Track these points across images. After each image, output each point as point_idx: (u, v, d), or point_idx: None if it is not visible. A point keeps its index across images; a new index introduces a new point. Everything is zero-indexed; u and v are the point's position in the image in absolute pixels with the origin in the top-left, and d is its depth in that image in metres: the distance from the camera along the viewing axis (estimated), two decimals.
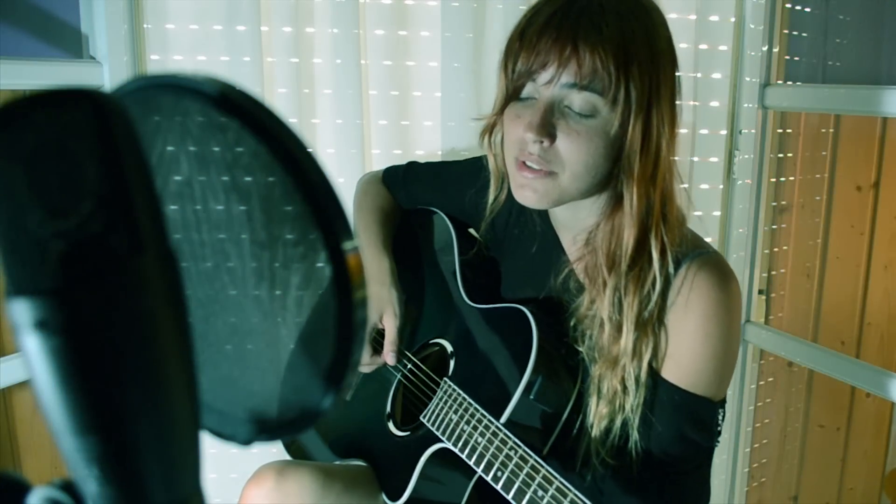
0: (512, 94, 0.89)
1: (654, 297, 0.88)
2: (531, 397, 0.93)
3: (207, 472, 0.50)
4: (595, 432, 0.92)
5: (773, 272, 1.87)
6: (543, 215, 1.03)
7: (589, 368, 0.94)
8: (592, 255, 0.95)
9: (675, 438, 0.90)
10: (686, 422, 0.89)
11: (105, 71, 1.44)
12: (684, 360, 0.89)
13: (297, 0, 1.50)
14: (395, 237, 1.24)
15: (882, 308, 1.81)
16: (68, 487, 0.28)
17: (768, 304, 1.87)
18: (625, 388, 0.90)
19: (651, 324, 0.89)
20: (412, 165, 1.26)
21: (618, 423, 0.91)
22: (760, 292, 1.83)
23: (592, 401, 0.93)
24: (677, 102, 0.89)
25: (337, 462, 1.19)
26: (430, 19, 1.55)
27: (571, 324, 0.96)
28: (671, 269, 0.89)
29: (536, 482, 0.86)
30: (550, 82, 0.84)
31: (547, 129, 0.85)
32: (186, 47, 1.50)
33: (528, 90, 0.88)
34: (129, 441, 0.27)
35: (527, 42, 0.85)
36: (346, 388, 0.32)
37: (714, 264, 0.89)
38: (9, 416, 1.44)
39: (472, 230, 1.20)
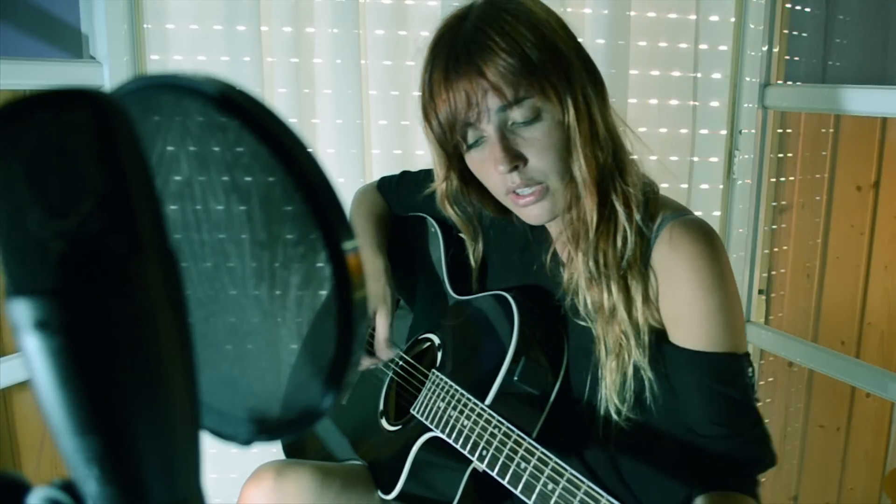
0: (452, 150, 0.92)
1: (630, 245, 0.90)
2: (515, 378, 0.94)
3: (207, 472, 0.50)
4: (610, 388, 0.93)
5: (773, 272, 1.87)
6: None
7: (589, 344, 0.95)
8: (565, 228, 0.97)
9: (711, 402, 0.89)
10: (716, 382, 0.88)
11: (105, 71, 1.44)
12: (692, 321, 0.89)
13: (297, 0, 1.50)
14: (388, 242, 1.25)
15: (882, 308, 1.81)
16: (68, 487, 0.28)
17: (768, 304, 1.87)
18: (627, 336, 0.91)
19: (634, 269, 0.90)
20: (405, 174, 1.29)
21: (629, 373, 0.91)
22: (760, 292, 1.83)
23: (602, 361, 0.93)
24: (591, 59, 0.92)
25: (335, 462, 1.19)
26: (430, 19, 1.54)
27: (563, 298, 0.97)
28: (640, 212, 0.90)
29: (519, 455, 0.87)
30: (483, 116, 0.87)
31: (513, 155, 0.87)
32: (186, 47, 1.50)
33: (472, 135, 0.90)
34: (129, 441, 0.27)
35: (438, 96, 0.88)
36: (346, 388, 0.32)
37: (693, 222, 0.90)
38: (9, 416, 1.44)
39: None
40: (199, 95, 0.30)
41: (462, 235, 1.21)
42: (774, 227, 1.85)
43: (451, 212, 1.04)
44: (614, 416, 0.94)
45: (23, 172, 0.25)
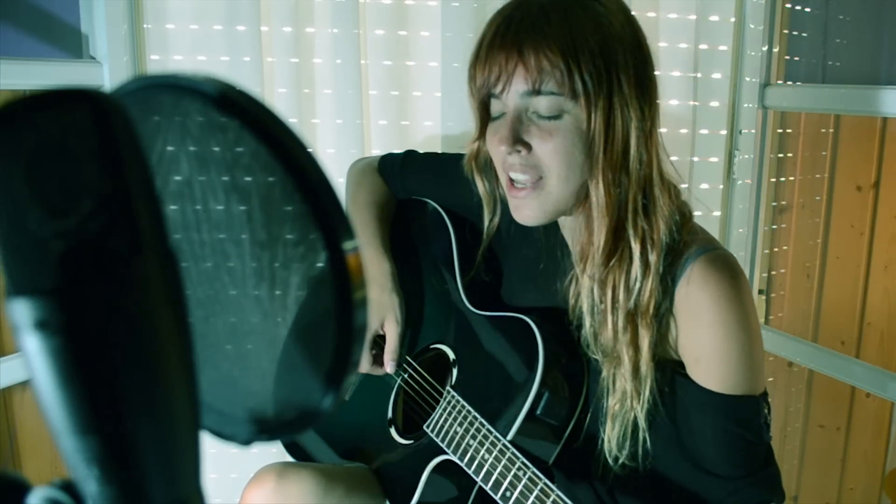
0: (483, 114, 0.91)
1: (646, 287, 0.86)
2: (538, 413, 0.93)
3: (207, 472, 0.50)
4: (609, 434, 0.91)
5: (773, 272, 1.87)
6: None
7: (601, 369, 0.93)
8: (574, 246, 0.95)
9: (724, 442, 0.87)
10: (731, 423, 0.87)
11: (105, 71, 1.44)
12: (712, 363, 0.86)
13: (297, 0, 1.50)
14: (391, 232, 1.21)
15: (882, 308, 1.81)
16: (68, 487, 0.28)
17: (768, 304, 1.87)
18: (630, 386, 0.88)
19: (646, 315, 0.87)
20: (410, 155, 1.23)
21: (630, 418, 0.89)
22: (760, 292, 1.83)
23: (604, 403, 0.91)
24: (655, 92, 0.89)
25: (337, 463, 1.19)
26: (430, 19, 1.55)
27: (574, 324, 0.95)
28: (661, 257, 0.87)
29: (535, 495, 0.85)
30: (506, 93, 0.86)
31: (517, 139, 0.86)
32: (186, 47, 1.50)
33: (497, 107, 0.90)
34: (129, 441, 0.27)
35: (480, 60, 0.87)
36: (346, 389, 0.32)
37: (718, 260, 0.87)
38: (9, 416, 1.44)
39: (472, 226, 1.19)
40: (199, 95, 0.30)
41: (474, 228, 1.19)
42: (774, 227, 1.85)
43: (476, 176, 1.02)
44: (611, 463, 0.92)
45: (23, 172, 0.25)
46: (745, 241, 1.77)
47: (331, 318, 0.31)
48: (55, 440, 0.27)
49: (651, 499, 0.94)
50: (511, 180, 0.90)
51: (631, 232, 0.87)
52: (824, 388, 1.92)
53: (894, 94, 1.40)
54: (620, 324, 0.88)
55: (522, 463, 0.89)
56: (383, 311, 1.11)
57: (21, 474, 0.30)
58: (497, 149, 0.89)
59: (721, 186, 1.74)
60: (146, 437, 0.27)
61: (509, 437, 0.92)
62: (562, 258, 0.99)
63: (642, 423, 0.89)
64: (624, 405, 0.89)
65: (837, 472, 1.96)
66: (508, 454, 0.91)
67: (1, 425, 1.43)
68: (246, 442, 0.34)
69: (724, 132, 1.71)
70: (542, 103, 0.85)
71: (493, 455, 0.92)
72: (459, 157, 1.16)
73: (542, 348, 0.94)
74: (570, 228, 0.98)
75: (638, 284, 0.87)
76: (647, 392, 0.88)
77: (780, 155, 1.81)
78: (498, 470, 0.91)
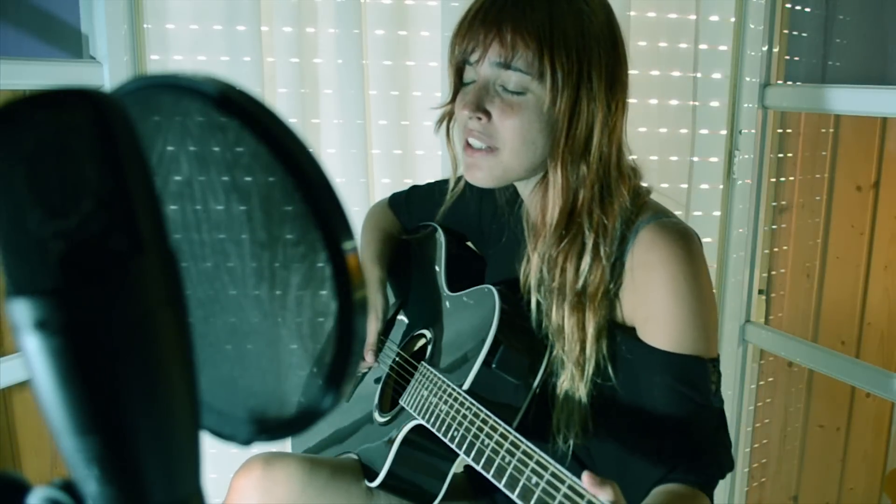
0: (457, 80, 0.96)
1: (595, 272, 0.90)
2: (494, 366, 0.95)
3: (207, 472, 0.50)
4: (557, 410, 0.94)
5: (773, 272, 1.87)
6: (513, 202, 1.06)
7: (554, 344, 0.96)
8: (528, 223, 1.00)
9: (672, 402, 0.89)
10: (678, 382, 0.89)
11: (105, 71, 1.44)
12: (661, 322, 0.89)
13: (298, 0, 1.50)
14: (394, 251, 1.28)
15: (882, 308, 1.81)
16: (68, 487, 0.28)
17: (768, 304, 1.87)
18: (576, 360, 0.92)
19: (594, 300, 0.90)
20: (413, 188, 1.32)
21: (575, 397, 0.93)
22: (760, 292, 1.83)
23: (553, 378, 0.95)
24: (625, 93, 0.93)
25: (330, 455, 1.22)
26: (430, 19, 1.55)
27: (525, 300, 0.99)
28: (614, 247, 0.91)
29: (485, 432, 0.88)
30: (480, 62, 0.91)
31: (480, 105, 0.91)
32: (186, 47, 1.50)
33: (469, 74, 0.94)
34: (129, 441, 0.27)
35: (461, 32, 0.93)
36: (347, 388, 0.32)
37: (671, 225, 0.91)
38: (9, 416, 1.44)
39: (470, 243, 1.25)
40: (199, 95, 0.30)
41: (471, 246, 1.24)
42: (774, 227, 1.85)
43: (447, 138, 1.05)
44: (560, 442, 0.95)
45: (23, 172, 0.25)
46: (745, 241, 1.77)
47: (331, 318, 0.31)
48: (55, 440, 0.27)
49: (606, 465, 0.97)
50: (468, 142, 0.95)
51: (585, 218, 0.91)
52: (824, 388, 1.92)
53: (894, 94, 1.40)
54: (567, 306, 0.92)
55: (471, 402, 0.91)
56: None
57: (21, 474, 0.30)
58: (461, 112, 0.94)
59: (721, 186, 1.74)
60: (146, 438, 0.27)
61: (465, 387, 0.95)
62: (522, 237, 1.03)
63: (584, 400, 0.93)
64: (570, 384, 0.93)
65: (837, 472, 1.97)
66: (461, 399, 0.93)
67: (1, 425, 1.43)
68: (246, 442, 0.34)
69: (724, 132, 1.71)
70: (511, 78, 0.89)
71: (448, 404, 0.95)
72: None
73: (499, 307, 0.98)
74: (529, 208, 1.02)
75: (587, 270, 0.91)
76: (591, 370, 0.92)
77: (780, 155, 1.81)
78: (450, 416, 0.93)
